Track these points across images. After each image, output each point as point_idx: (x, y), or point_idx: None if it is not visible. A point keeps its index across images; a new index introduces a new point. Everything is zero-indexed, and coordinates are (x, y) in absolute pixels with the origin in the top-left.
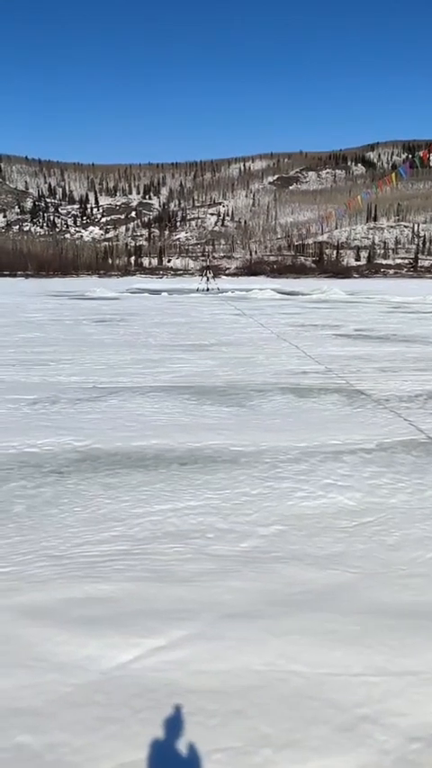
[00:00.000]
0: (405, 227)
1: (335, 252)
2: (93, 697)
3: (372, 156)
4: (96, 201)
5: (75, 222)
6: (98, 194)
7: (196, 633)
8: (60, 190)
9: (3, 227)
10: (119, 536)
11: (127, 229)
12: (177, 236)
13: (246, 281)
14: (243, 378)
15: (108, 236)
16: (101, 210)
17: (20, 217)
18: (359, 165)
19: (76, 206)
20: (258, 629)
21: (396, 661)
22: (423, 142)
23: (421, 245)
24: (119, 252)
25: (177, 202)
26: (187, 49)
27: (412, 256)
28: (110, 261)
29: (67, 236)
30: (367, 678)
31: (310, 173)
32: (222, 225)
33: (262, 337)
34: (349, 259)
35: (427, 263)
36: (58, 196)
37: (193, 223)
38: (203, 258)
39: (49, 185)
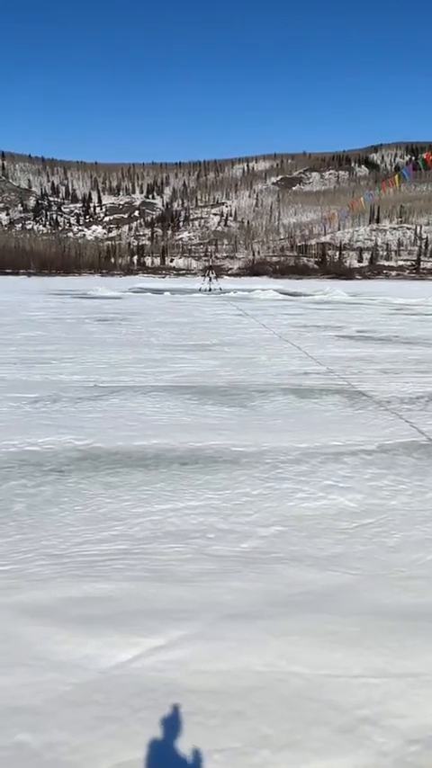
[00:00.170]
0: (408, 228)
1: (337, 253)
2: (92, 696)
3: (375, 157)
4: (99, 200)
5: (78, 221)
6: (101, 193)
7: (196, 633)
8: (63, 188)
9: (6, 226)
10: (119, 535)
11: (130, 229)
12: (180, 236)
13: (248, 281)
14: (245, 378)
15: (111, 235)
16: (104, 209)
17: (23, 215)
18: (362, 166)
19: (78, 205)
20: (258, 630)
21: (396, 663)
22: (426, 144)
23: (424, 247)
24: (121, 251)
25: (180, 202)
26: (191, 50)
27: (414, 258)
28: (112, 260)
29: (70, 234)
30: (367, 680)
31: (314, 174)
32: (225, 225)
33: (264, 338)
34: (352, 260)
35: (429, 265)
36: (61, 195)
37: (196, 223)
38: (206, 258)
39: (53, 184)
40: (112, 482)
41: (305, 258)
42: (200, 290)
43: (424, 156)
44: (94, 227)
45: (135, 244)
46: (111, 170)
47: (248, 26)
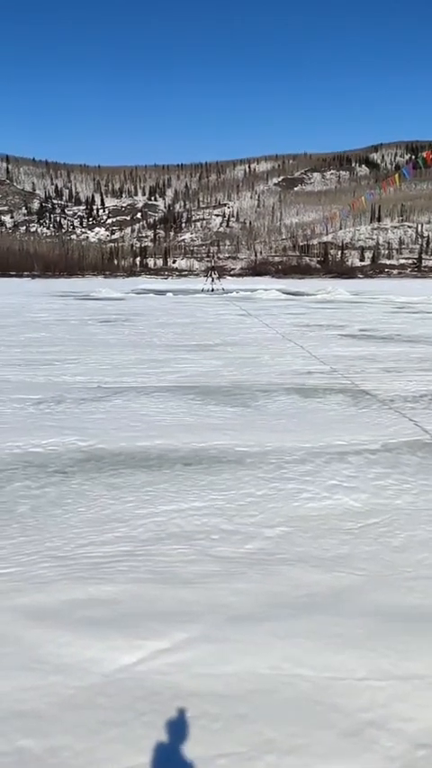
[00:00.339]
0: (409, 227)
1: (339, 252)
2: (95, 700)
3: (375, 157)
4: (102, 203)
5: (81, 223)
6: (104, 196)
7: (200, 636)
8: (67, 191)
9: (10, 228)
10: (122, 537)
11: (132, 230)
12: (182, 237)
13: (250, 281)
14: (248, 378)
15: (114, 237)
16: (107, 212)
17: (27, 218)
18: (363, 166)
19: (82, 207)
20: (263, 632)
21: (402, 665)
22: (426, 143)
23: (425, 245)
24: (124, 253)
25: (183, 203)
26: (192, 52)
27: (416, 256)
28: (115, 262)
29: (73, 237)
30: (373, 682)
31: (315, 174)
32: (227, 226)
33: (267, 337)
34: (353, 259)
35: (430, 263)
36: (64, 197)
37: (199, 224)
38: (208, 259)
39: (56, 187)
40: (115, 483)
41: (307, 258)
42: (202, 290)
43: (424, 154)
44: (97, 229)
45: (138, 245)
46: (113, 172)
47: (249, 27)
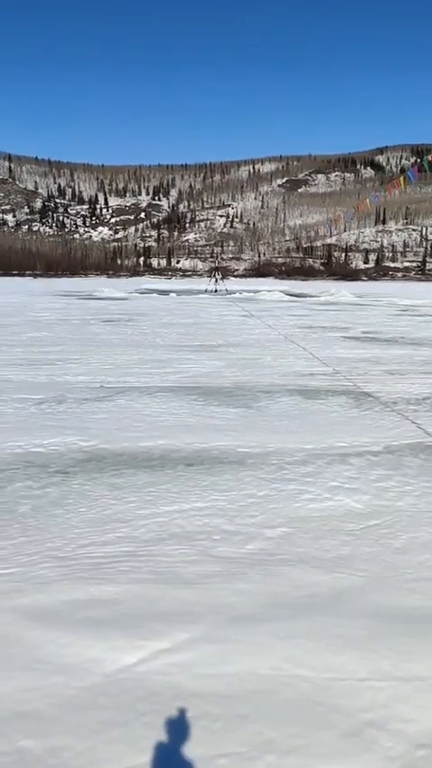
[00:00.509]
0: (413, 230)
1: (343, 254)
2: (96, 700)
3: (380, 159)
4: (106, 202)
5: (84, 222)
6: (107, 195)
7: (201, 636)
8: (70, 190)
9: (12, 227)
10: (124, 537)
11: (136, 230)
12: (186, 238)
13: (254, 282)
14: (250, 379)
15: (117, 236)
16: (110, 211)
17: (29, 217)
18: (368, 168)
19: (85, 206)
20: (264, 633)
21: (402, 666)
22: None
23: (429, 248)
24: (128, 252)
25: (187, 204)
26: (196, 52)
27: (420, 260)
28: (119, 261)
29: (76, 236)
30: (373, 683)
31: (319, 175)
32: (231, 226)
33: (270, 339)
34: (357, 262)
35: None
36: (67, 196)
37: (202, 224)
38: (212, 259)
39: (59, 186)
40: (117, 483)
41: (311, 259)
42: (206, 291)
43: (429, 158)
44: (100, 228)
45: (141, 245)
46: (117, 172)
47: (252, 28)
